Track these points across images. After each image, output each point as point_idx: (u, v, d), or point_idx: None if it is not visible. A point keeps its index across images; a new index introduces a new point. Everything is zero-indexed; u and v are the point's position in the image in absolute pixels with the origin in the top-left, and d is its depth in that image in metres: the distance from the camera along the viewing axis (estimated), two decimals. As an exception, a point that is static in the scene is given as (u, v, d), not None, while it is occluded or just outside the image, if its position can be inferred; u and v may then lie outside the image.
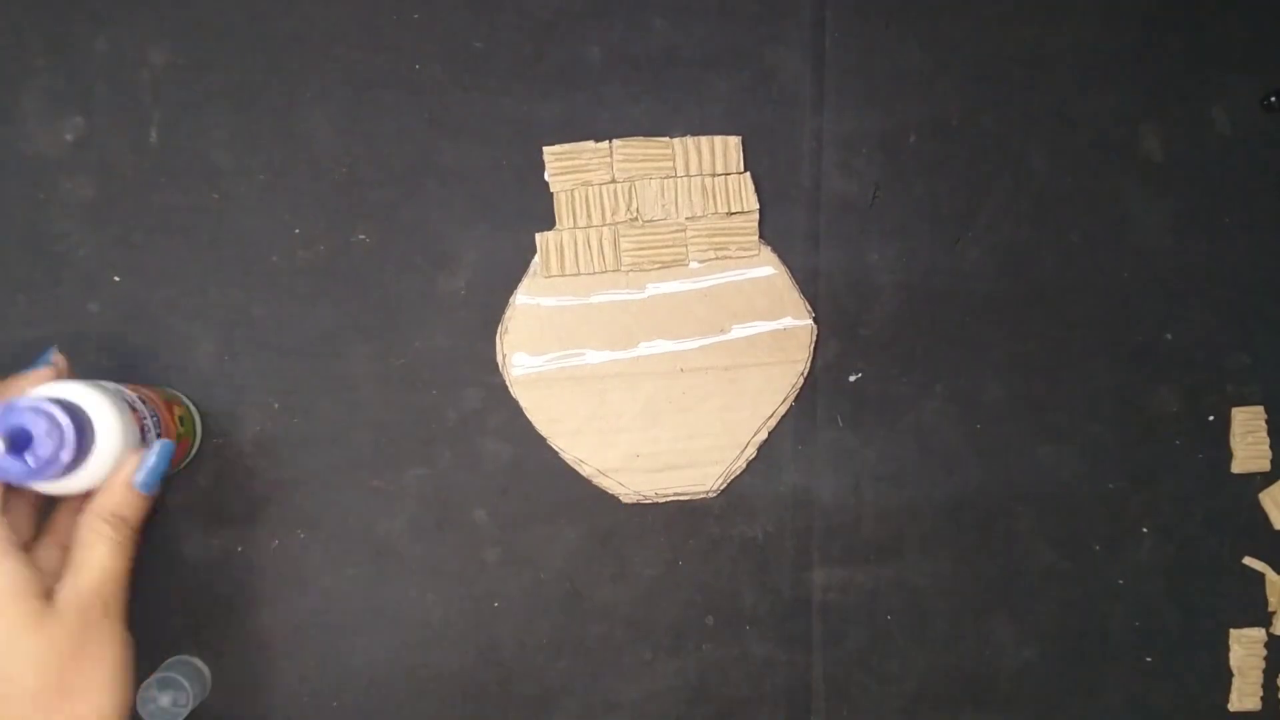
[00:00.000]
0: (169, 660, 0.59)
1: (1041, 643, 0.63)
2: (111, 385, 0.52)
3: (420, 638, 0.61)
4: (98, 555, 0.48)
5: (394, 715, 0.61)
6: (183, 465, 0.59)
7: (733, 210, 0.62)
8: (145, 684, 0.57)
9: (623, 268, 0.62)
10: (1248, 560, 0.64)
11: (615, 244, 0.62)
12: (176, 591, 0.60)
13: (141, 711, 0.57)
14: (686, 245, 0.62)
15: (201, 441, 0.60)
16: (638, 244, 0.62)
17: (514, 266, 0.62)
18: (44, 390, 0.50)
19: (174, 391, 0.59)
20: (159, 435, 0.54)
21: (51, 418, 0.47)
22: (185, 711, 0.57)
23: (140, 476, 0.49)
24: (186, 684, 0.57)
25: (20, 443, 0.47)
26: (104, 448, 0.50)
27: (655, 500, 0.62)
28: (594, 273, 0.62)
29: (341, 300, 0.61)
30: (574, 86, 0.62)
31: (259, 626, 0.60)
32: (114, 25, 0.60)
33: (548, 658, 0.62)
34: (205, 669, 0.60)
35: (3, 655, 0.45)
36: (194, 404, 0.60)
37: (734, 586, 0.62)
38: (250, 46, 0.61)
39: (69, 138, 0.60)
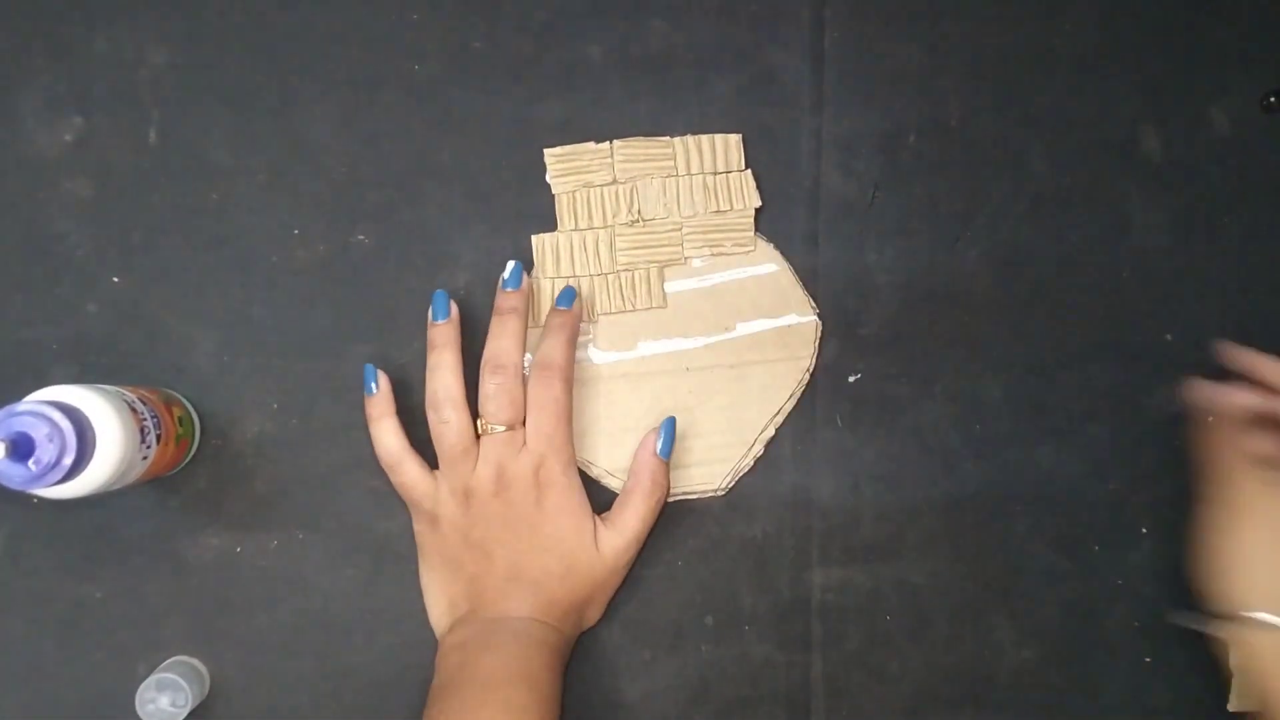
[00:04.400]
0: (169, 660, 0.59)
1: (1041, 643, 0.63)
2: (111, 388, 0.52)
3: (420, 638, 0.61)
4: (637, 519, 0.59)
5: (394, 715, 0.61)
6: (182, 465, 0.59)
7: (735, 208, 0.62)
8: (145, 684, 0.57)
9: (618, 268, 0.62)
10: (1247, 560, 0.64)
11: (611, 245, 0.62)
12: (176, 591, 0.60)
13: (141, 712, 0.57)
14: (682, 244, 0.62)
15: (201, 442, 0.60)
16: (633, 243, 0.62)
17: (514, 267, 0.62)
18: (44, 394, 0.50)
19: (173, 392, 0.59)
20: (159, 436, 0.54)
21: (52, 422, 0.47)
22: (185, 711, 0.57)
23: (661, 447, 0.60)
24: (186, 684, 0.57)
25: (22, 448, 0.47)
26: (105, 451, 0.50)
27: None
28: (590, 275, 0.62)
29: (341, 300, 0.61)
30: (574, 86, 0.62)
31: (259, 626, 0.60)
32: (114, 25, 0.60)
33: (547, 658, 0.62)
34: (205, 669, 0.60)
35: (584, 562, 0.58)
36: (193, 404, 0.60)
37: (734, 586, 0.62)
38: (250, 46, 0.61)
39: (68, 138, 0.60)
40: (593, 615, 0.60)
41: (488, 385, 0.57)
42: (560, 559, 0.58)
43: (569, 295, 0.60)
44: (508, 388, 0.57)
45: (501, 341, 0.58)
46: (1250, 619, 0.54)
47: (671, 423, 0.60)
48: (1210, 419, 0.58)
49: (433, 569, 0.59)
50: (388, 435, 0.58)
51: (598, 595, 0.60)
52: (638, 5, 0.63)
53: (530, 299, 0.60)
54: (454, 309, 0.59)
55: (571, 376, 0.59)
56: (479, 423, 0.57)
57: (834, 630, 0.63)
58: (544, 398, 0.58)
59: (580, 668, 0.62)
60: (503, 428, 0.57)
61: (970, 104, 0.64)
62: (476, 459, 0.57)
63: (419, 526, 0.59)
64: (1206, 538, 0.56)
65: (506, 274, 0.59)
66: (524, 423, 0.58)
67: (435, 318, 0.59)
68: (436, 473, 0.58)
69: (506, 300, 0.59)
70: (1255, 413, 0.58)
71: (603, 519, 0.59)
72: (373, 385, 0.58)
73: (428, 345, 0.58)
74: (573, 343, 0.59)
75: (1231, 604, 0.55)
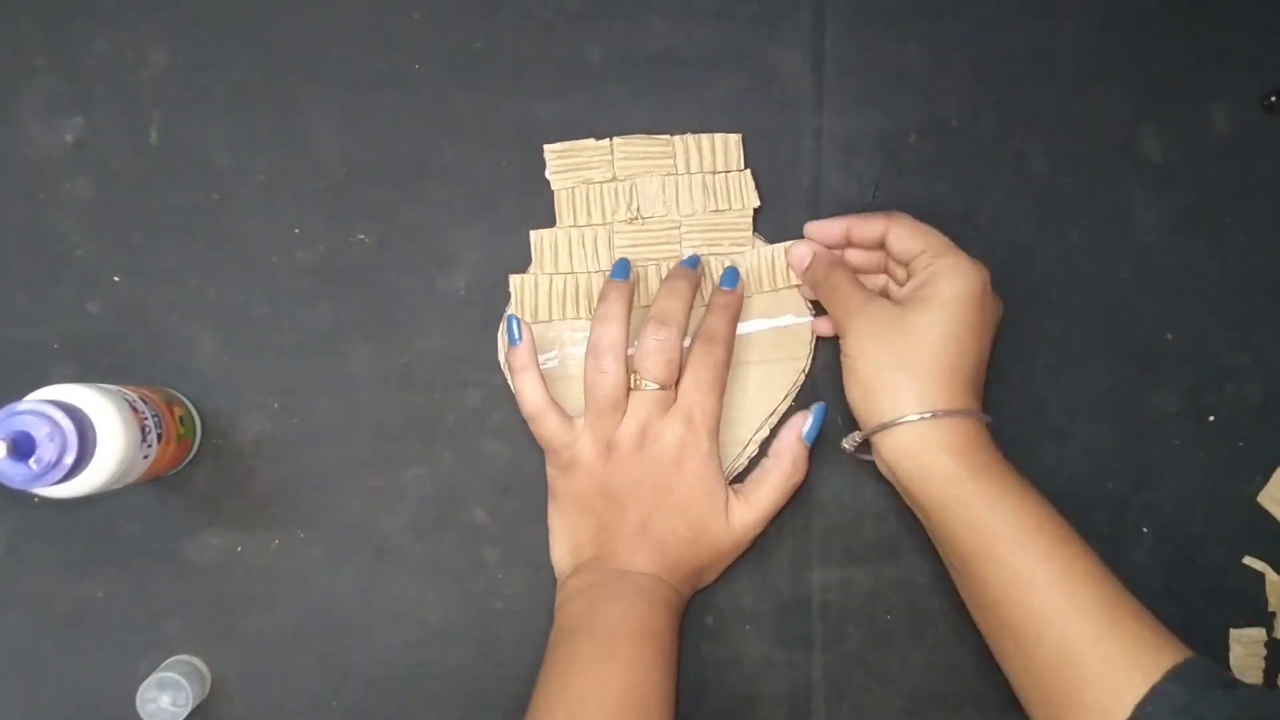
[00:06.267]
0: (169, 660, 0.59)
1: (1041, 643, 0.63)
2: (112, 387, 0.52)
3: (420, 638, 0.61)
4: (771, 499, 0.60)
5: (394, 715, 0.61)
6: (183, 465, 0.59)
7: (734, 207, 0.62)
8: (145, 684, 0.57)
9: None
10: (1248, 560, 0.64)
11: (610, 242, 0.62)
12: (177, 591, 0.60)
13: (141, 711, 0.57)
14: (680, 242, 0.62)
15: (201, 441, 0.60)
16: (632, 241, 0.62)
17: (514, 266, 0.62)
18: (45, 393, 0.50)
19: (174, 392, 0.59)
20: (160, 435, 0.54)
21: (53, 421, 0.47)
22: (185, 711, 0.57)
23: (807, 430, 0.60)
24: (186, 684, 0.57)
25: (23, 447, 0.47)
26: (106, 450, 0.50)
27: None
28: (588, 271, 0.62)
29: (341, 300, 0.61)
30: (574, 86, 0.62)
31: (259, 626, 0.61)
32: (114, 25, 0.60)
33: (548, 657, 0.62)
34: (205, 669, 0.60)
35: (713, 530, 0.59)
36: (194, 403, 0.60)
37: (734, 586, 0.62)
38: (250, 46, 0.61)
39: (69, 138, 0.60)
40: (708, 579, 0.61)
41: (648, 340, 0.57)
42: (690, 524, 0.58)
43: (732, 276, 0.61)
44: (668, 346, 0.57)
45: (671, 302, 0.58)
46: (898, 422, 0.55)
47: (822, 409, 0.61)
48: (815, 265, 0.60)
49: (563, 511, 0.60)
50: (531, 387, 0.58)
51: (718, 563, 0.60)
52: (638, 5, 0.63)
53: (700, 282, 0.61)
54: (634, 274, 0.60)
55: (732, 351, 0.60)
56: (632, 377, 0.57)
57: (834, 630, 0.63)
58: (703, 361, 0.58)
59: (580, 667, 0.62)
60: (655, 386, 0.57)
61: (970, 104, 0.64)
62: (624, 414, 0.57)
63: (553, 470, 0.60)
64: (849, 366, 0.57)
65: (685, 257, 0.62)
66: (676, 384, 0.58)
67: (614, 276, 0.59)
68: (576, 421, 0.58)
69: (683, 268, 0.60)
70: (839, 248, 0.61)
71: (736, 491, 0.59)
72: (516, 335, 0.58)
73: (600, 295, 0.58)
74: (735, 321, 0.60)
75: (884, 416, 0.56)
